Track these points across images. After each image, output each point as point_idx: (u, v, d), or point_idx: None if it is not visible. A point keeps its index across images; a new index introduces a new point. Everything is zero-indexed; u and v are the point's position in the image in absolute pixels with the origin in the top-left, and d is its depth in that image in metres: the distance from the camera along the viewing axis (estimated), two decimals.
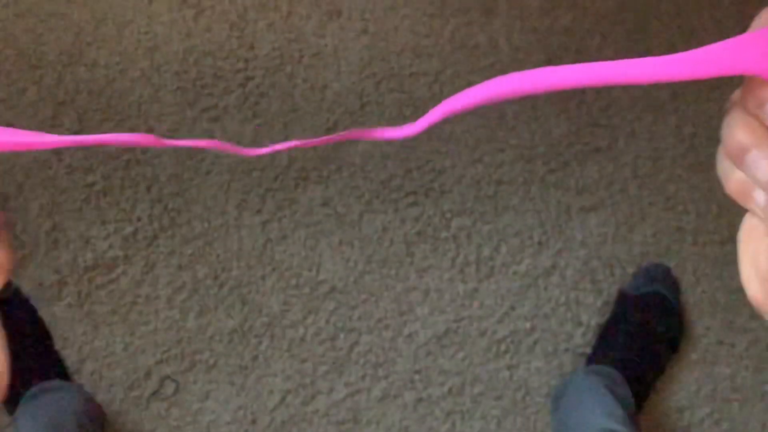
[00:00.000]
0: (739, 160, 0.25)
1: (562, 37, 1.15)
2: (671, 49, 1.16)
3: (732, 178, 0.26)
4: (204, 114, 1.09)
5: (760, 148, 0.24)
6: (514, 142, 1.11)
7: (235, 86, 1.10)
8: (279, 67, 1.11)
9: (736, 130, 0.25)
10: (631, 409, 0.95)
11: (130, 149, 1.07)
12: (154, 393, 1.02)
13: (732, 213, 1.11)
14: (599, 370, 0.99)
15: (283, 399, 1.03)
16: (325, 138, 0.30)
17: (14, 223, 1.03)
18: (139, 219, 1.05)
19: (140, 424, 1.01)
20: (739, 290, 1.09)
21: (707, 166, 1.12)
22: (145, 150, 1.07)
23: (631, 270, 1.08)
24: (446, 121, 1.15)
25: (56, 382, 0.97)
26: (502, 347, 1.05)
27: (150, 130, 1.08)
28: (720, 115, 1.12)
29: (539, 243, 1.08)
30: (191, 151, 1.08)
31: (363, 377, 1.04)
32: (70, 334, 1.02)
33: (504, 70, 1.13)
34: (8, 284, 1.00)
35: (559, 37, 1.15)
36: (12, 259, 0.29)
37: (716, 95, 1.14)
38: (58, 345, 1.02)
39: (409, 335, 1.05)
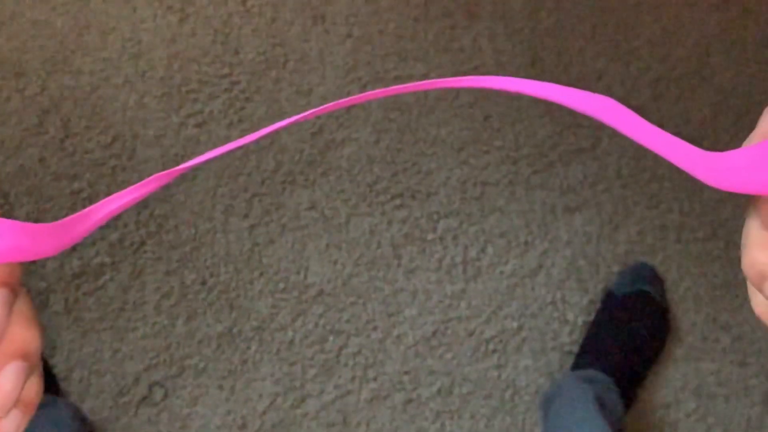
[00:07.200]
0: (758, 284, 0.22)
1: (546, 39, 1.16)
2: (653, 51, 1.17)
3: (757, 301, 0.23)
4: (190, 119, 1.09)
5: None
6: (498, 144, 1.12)
7: (221, 91, 1.10)
8: (264, 72, 1.11)
9: (755, 249, 0.22)
10: (621, 421, 0.95)
11: (115, 155, 1.07)
12: (143, 399, 1.02)
13: (715, 211, 1.12)
14: (589, 377, 0.99)
15: (272, 402, 1.03)
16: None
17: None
18: (125, 225, 1.05)
19: (130, 431, 1.01)
20: (723, 286, 1.11)
21: None
22: (130, 156, 1.07)
23: (616, 268, 1.09)
24: (432, 123, 1.16)
25: (48, 397, 0.96)
26: (490, 347, 1.06)
27: (135, 137, 1.08)
28: (701, 116, 1.13)
29: (525, 243, 1.09)
30: (177, 157, 1.08)
31: (352, 379, 1.04)
32: (57, 341, 1.02)
33: (488, 73, 1.14)
34: None
35: (542, 39, 1.16)
36: (41, 391, 0.27)
37: (698, 96, 1.16)
38: (46, 353, 1.01)
39: (398, 337, 1.06)
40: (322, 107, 0.28)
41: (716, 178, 0.23)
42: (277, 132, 1.10)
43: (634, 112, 0.25)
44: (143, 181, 0.27)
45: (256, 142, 1.09)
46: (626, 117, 0.25)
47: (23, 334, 0.26)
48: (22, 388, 0.25)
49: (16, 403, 0.26)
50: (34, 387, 0.27)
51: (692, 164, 0.24)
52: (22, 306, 0.26)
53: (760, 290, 0.22)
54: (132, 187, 0.27)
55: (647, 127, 0.25)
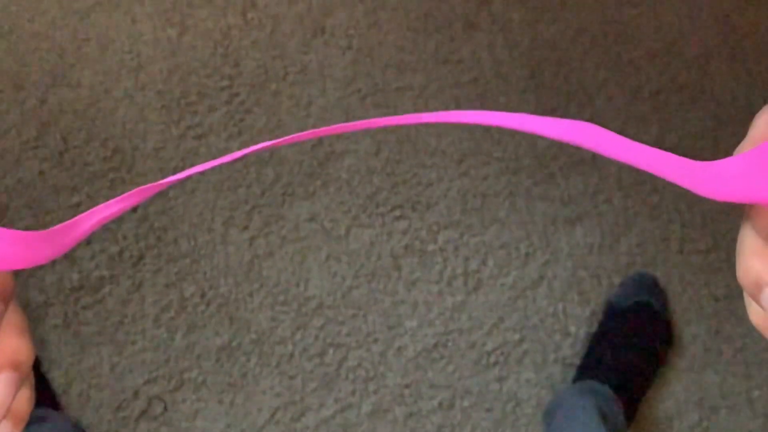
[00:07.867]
0: (753, 293, 0.22)
1: (545, 50, 1.16)
2: (653, 62, 1.17)
3: (753, 310, 0.23)
4: (189, 132, 1.09)
5: None
6: (499, 155, 1.11)
7: (220, 104, 1.10)
8: (264, 84, 1.11)
9: (750, 257, 0.22)
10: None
11: (114, 167, 1.07)
12: (143, 413, 1.01)
13: (716, 221, 1.12)
14: (591, 389, 0.99)
15: (272, 416, 1.02)
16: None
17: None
18: (124, 238, 1.05)
19: None
20: (725, 298, 1.10)
21: None
22: (129, 169, 1.07)
23: (617, 280, 1.09)
24: (431, 134, 1.16)
25: (47, 411, 0.95)
26: (492, 359, 1.06)
27: (135, 149, 1.07)
28: (701, 126, 1.13)
29: (526, 255, 1.09)
30: (176, 170, 1.07)
31: (353, 392, 1.04)
32: (56, 355, 1.01)
33: (487, 84, 1.14)
34: None
35: (541, 50, 1.16)
36: (32, 402, 0.26)
37: (698, 105, 1.16)
38: (44, 367, 1.01)
39: (399, 349, 1.05)
40: (313, 131, 0.28)
41: (708, 188, 0.22)
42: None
43: (617, 135, 0.25)
44: (134, 191, 0.27)
45: (256, 154, 1.09)
46: (611, 140, 0.25)
47: (14, 344, 0.26)
48: (13, 399, 0.25)
49: (7, 414, 0.25)
50: (26, 398, 0.26)
51: (683, 176, 0.23)
52: (14, 316, 0.26)
53: (755, 299, 0.22)
54: (124, 195, 0.27)
55: (634, 147, 0.25)
